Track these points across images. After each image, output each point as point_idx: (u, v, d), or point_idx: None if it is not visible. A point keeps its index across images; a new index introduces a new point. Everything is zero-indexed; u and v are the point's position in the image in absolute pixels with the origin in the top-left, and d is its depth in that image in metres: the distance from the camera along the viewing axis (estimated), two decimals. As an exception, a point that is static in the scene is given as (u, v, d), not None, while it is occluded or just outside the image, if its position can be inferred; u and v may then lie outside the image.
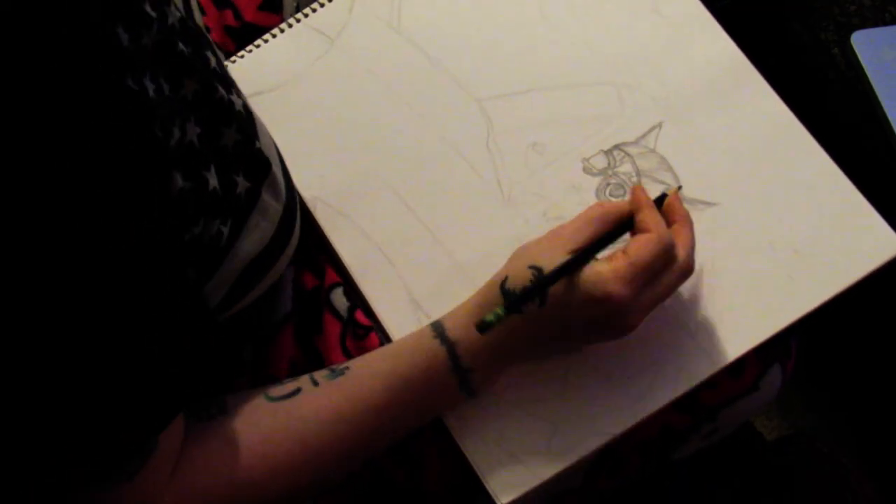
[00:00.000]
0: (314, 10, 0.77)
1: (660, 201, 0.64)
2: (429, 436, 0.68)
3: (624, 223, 0.63)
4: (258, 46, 0.76)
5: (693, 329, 0.67)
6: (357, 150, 0.73)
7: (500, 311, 0.57)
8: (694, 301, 0.68)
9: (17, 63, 0.40)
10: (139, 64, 0.46)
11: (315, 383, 0.62)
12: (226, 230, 0.55)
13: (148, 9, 0.48)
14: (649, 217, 0.61)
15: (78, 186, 0.42)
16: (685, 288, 0.67)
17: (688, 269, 0.62)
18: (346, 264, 0.71)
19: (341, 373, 0.62)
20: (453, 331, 0.62)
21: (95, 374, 0.46)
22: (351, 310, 0.71)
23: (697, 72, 0.74)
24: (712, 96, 0.73)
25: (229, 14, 0.80)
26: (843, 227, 0.69)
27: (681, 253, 0.61)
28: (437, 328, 0.62)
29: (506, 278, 0.61)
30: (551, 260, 0.60)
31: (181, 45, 0.51)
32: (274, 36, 0.77)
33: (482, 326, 0.57)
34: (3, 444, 0.47)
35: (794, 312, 0.67)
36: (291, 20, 0.77)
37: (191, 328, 0.51)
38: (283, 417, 0.60)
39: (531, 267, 0.60)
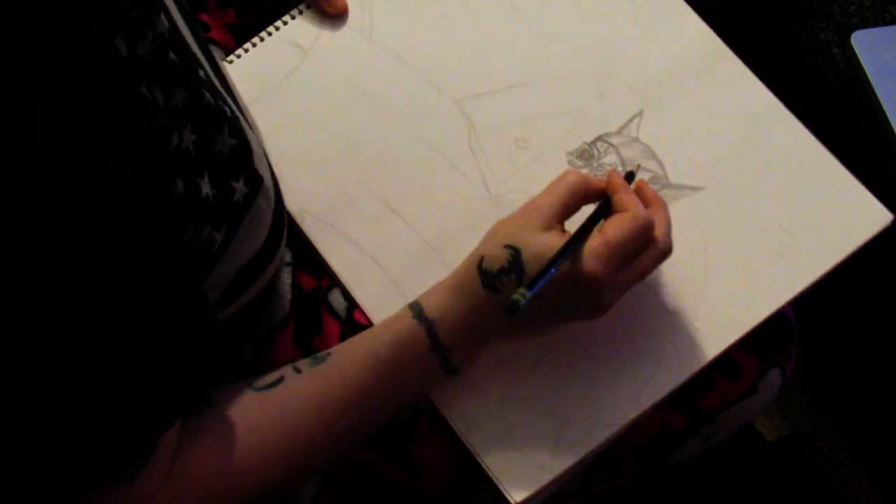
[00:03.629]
0: (285, 23, 0.76)
1: (628, 180, 0.65)
2: (428, 436, 0.68)
3: (600, 206, 0.62)
4: (231, 62, 0.75)
5: (691, 314, 0.67)
6: (340, 161, 0.72)
7: (524, 291, 0.55)
8: (689, 286, 0.68)
9: (28, 72, 0.40)
10: (137, 73, 0.47)
11: (297, 371, 0.62)
12: (219, 236, 0.55)
13: (140, 19, 0.48)
14: (626, 197, 0.61)
15: (89, 190, 0.42)
16: (680, 274, 0.67)
17: (666, 250, 0.61)
18: (337, 274, 0.70)
19: (323, 359, 0.63)
20: (431, 310, 0.62)
21: (99, 374, 0.46)
22: (349, 310, 0.71)
23: (673, 57, 0.74)
24: (690, 80, 0.73)
25: (231, 11, 0.80)
26: (831, 202, 0.69)
27: (659, 233, 0.61)
28: (416, 308, 0.63)
29: (482, 258, 0.61)
30: (526, 238, 0.59)
31: (172, 55, 0.51)
32: (246, 51, 0.76)
33: (511, 309, 0.55)
34: (8, 445, 0.47)
35: (789, 291, 0.67)
36: (263, 34, 0.76)
37: (193, 328, 0.51)
38: (270, 407, 0.60)
39: (507, 246, 0.60)
